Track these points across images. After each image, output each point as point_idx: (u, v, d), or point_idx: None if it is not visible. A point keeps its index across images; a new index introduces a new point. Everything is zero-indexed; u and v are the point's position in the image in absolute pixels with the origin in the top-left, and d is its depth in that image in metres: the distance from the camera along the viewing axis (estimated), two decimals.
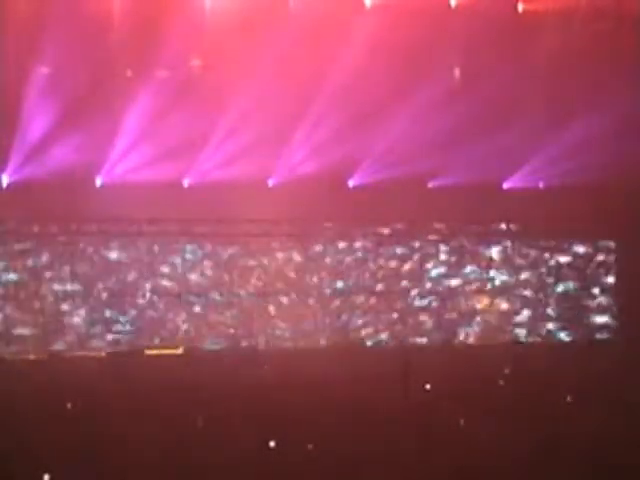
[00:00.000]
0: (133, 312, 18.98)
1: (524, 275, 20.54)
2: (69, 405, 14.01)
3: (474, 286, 20.35)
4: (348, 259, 19.90)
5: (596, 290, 20.73)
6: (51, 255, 18.68)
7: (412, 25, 18.44)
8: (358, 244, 19.95)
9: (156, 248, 19.12)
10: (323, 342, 19.64)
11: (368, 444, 11.43)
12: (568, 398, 14.26)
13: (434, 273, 20.22)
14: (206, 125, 18.61)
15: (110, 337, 18.83)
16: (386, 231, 20.06)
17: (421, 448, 11.29)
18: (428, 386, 15.73)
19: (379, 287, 19.96)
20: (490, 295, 20.43)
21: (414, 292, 20.10)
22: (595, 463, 10.59)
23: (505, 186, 20.22)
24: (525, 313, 20.50)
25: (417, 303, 20.10)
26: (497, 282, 20.46)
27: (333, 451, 11.28)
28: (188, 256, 19.28)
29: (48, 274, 18.68)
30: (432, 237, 20.24)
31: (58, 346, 18.57)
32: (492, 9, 19.08)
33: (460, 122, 19.06)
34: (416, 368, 16.32)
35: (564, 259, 20.65)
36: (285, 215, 19.35)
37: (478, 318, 20.32)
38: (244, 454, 11.13)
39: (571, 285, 20.64)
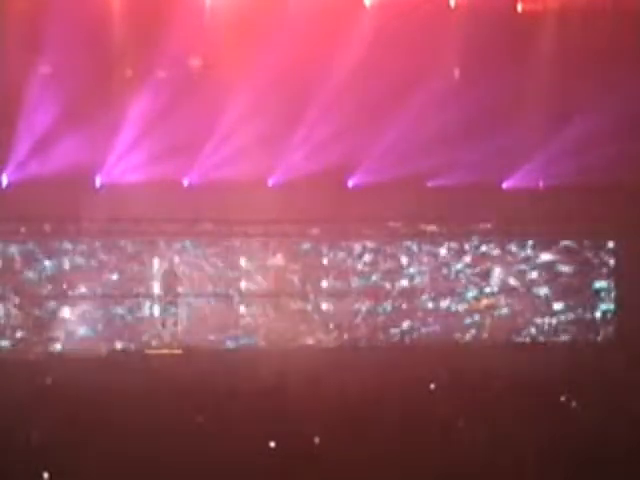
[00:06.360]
0: (132, 312, 19.00)
1: (523, 275, 20.53)
2: (68, 404, 14.00)
3: (474, 286, 20.35)
4: (348, 259, 19.90)
5: (596, 290, 20.73)
6: (50, 255, 18.69)
7: (412, 25, 18.46)
8: (358, 244, 19.94)
9: (155, 248, 19.13)
10: (322, 342, 19.65)
11: (368, 444, 11.43)
12: (565, 399, 14.24)
13: (434, 273, 20.21)
14: (206, 125, 18.63)
15: (109, 337, 18.84)
16: (386, 231, 20.06)
17: (420, 448, 11.29)
18: (432, 386, 15.70)
19: (379, 287, 19.96)
20: (490, 295, 20.42)
21: (414, 292, 20.10)
22: (594, 464, 10.59)
23: (505, 186, 20.23)
24: (524, 313, 20.49)
25: (417, 303, 20.10)
26: (497, 282, 20.45)
27: (333, 451, 11.28)
28: (188, 256, 19.28)
29: (48, 274, 18.69)
30: (432, 237, 20.23)
31: (58, 346, 18.58)
32: (492, 9, 19.10)
33: (460, 122, 19.08)
34: (415, 368, 16.32)
35: (563, 259, 20.64)
36: (285, 215, 19.35)
37: (478, 318, 20.32)
38: (244, 454, 11.13)
39: (570, 285, 20.63)
